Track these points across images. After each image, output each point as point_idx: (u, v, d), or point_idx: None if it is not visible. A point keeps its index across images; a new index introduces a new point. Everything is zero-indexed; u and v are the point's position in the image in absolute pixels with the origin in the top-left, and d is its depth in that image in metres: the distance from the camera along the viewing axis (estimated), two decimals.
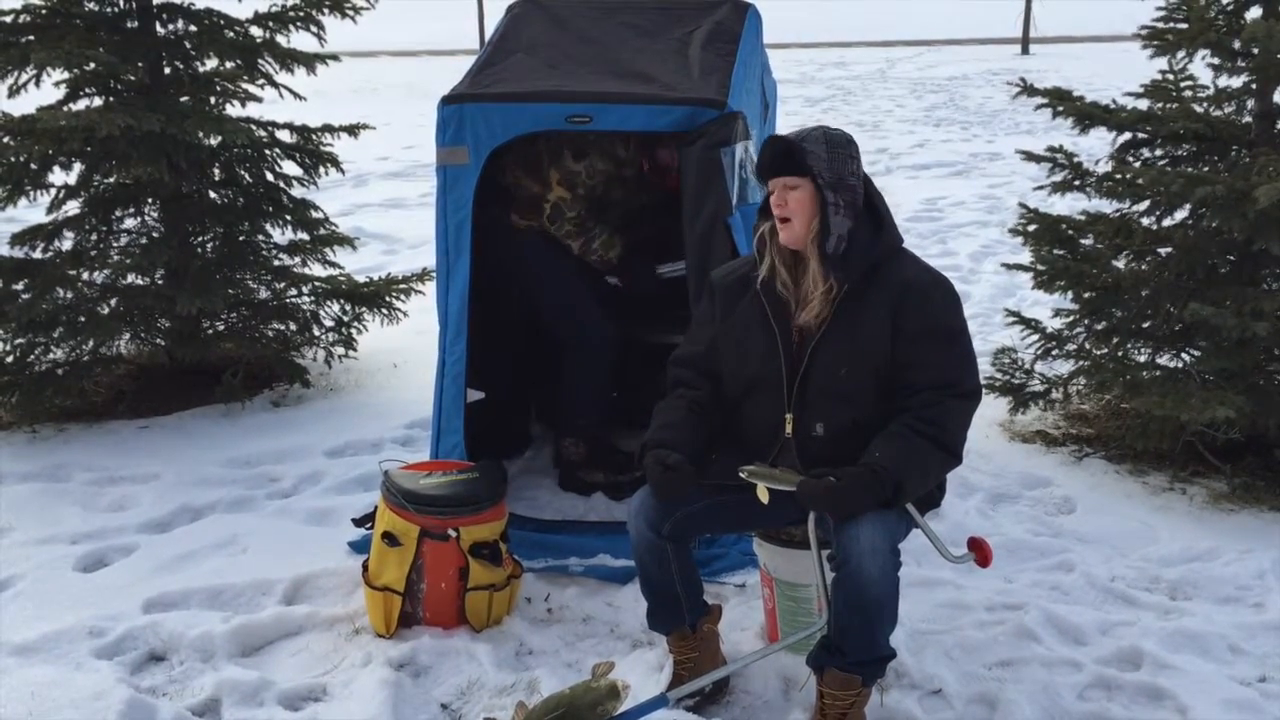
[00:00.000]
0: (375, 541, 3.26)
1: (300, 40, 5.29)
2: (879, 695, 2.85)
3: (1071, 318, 4.60)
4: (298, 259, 5.36)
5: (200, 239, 5.20)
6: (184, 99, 5.04)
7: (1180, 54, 4.27)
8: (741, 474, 2.70)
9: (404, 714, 2.89)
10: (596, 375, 4.08)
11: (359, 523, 3.46)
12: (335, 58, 5.39)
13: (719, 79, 3.61)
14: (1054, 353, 4.64)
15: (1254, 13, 4.15)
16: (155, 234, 5.11)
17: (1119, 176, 4.27)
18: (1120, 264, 4.46)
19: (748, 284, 2.86)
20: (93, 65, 4.76)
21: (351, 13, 5.24)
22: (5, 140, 4.70)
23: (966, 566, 2.90)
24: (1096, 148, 5.08)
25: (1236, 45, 4.12)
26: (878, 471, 2.57)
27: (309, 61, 5.24)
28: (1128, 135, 4.37)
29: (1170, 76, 4.31)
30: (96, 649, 3.16)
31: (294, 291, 5.33)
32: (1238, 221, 3.84)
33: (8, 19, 4.77)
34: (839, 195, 2.70)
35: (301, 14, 5.16)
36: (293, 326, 5.32)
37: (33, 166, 4.78)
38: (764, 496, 2.70)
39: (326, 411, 5.04)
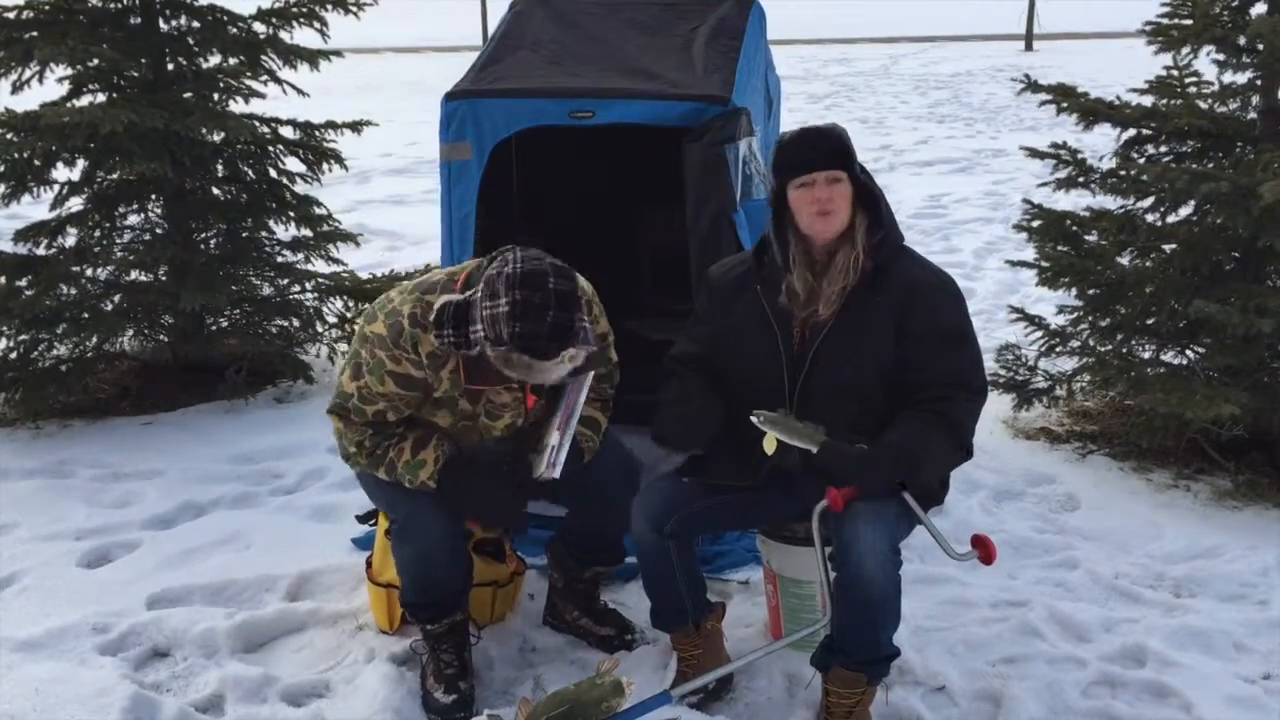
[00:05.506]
0: (378, 538, 3.26)
1: (303, 36, 5.29)
2: (884, 693, 2.85)
3: (1075, 314, 4.59)
4: (301, 255, 5.36)
5: (203, 235, 5.21)
6: (187, 95, 5.03)
7: (1185, 50, 4.26)
8: (754, 418, 2.63)
9: (406, 710, 2.89)
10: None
11: (362, 519, 3.46)
12: (338, 54, 5.38)
13: (723, 75, 3.61)
14: (1058, 349, 4.63)
15: (1259, 8, 4.14)
16: (158, 230, 5.12)
17: (1123, 173, 4.27)
18: (1124, 260, 4.45)
19: (746, 282, 2.83)
20: (96, 61, 4.77)
21: (355, 9, 5.25)
22: (8, 136, 4.70)
23: (970, 564, 2.89)
24: (1101, 144, 5.07)
25: (1241, 41, 4.11)
26: (898, 450, 2.56)
27: (312, 58, 5.23)
28: (1132, 132, 4.35)
29: (1175, 73, 4.29)
30: (100, 645, 3.16)
31: (297, 288, 5.34)
32: (1242, 218, 3.84)
33: (11, 15, 4.77)
34: (874, 187, 2.70)
35: (305, 10, 5.17)
36: (296, 323, 5.32)
37: (36, 163, 4.79)
38: (770, 447, 2.65)
39: None
